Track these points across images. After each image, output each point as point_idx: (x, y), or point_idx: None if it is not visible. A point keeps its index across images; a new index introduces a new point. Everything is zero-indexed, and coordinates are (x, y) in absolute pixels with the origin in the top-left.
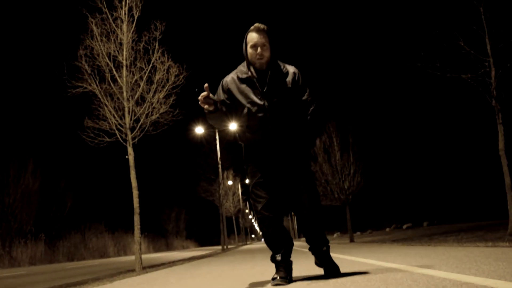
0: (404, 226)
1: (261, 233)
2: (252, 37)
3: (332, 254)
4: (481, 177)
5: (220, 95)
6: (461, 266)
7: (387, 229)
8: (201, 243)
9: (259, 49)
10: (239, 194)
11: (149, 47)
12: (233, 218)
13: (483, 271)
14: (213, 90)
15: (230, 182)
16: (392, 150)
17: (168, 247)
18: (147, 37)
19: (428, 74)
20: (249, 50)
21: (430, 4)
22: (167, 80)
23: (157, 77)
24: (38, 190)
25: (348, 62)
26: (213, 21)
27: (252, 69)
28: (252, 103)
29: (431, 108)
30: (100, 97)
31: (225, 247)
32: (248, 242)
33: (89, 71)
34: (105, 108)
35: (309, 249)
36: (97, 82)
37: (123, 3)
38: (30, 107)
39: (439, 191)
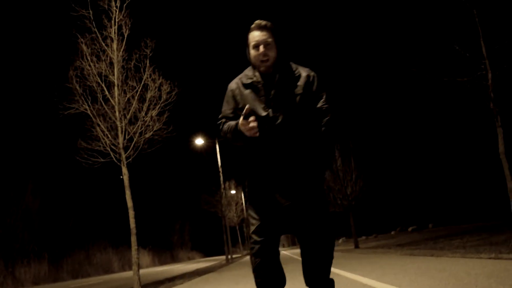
0: (409, 229)
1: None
2: (254, 35)
3: (332, 269)
4: (482, 179)
5: (231, 103)
6: None
7: (392, 232)
8: (206, 253)
9: (261, 48)
10: (242, 203)
11: (140, 65)
12: (237, 227)
13: None
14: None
15: (232, 192)
16: (394, 153)
17: (174, 259)
18: (137, 55)
19: (426, 78)
20: (252, 52)
21: (424, 9)
22: (160, 97)
23: (149, 95)
24: (38, 209)
25: (345, 68)
26: (203, 36)
27: (257, 73)
28: (255, 112)
29: (432, 112)
30: (92, 117)
31: (229, 257)
32: None
33: (80, 92)
34: (98, 128)
35: None
36: (89, 102)
37: (112, 21)
38: (28, 129)
39: (442, 193)
